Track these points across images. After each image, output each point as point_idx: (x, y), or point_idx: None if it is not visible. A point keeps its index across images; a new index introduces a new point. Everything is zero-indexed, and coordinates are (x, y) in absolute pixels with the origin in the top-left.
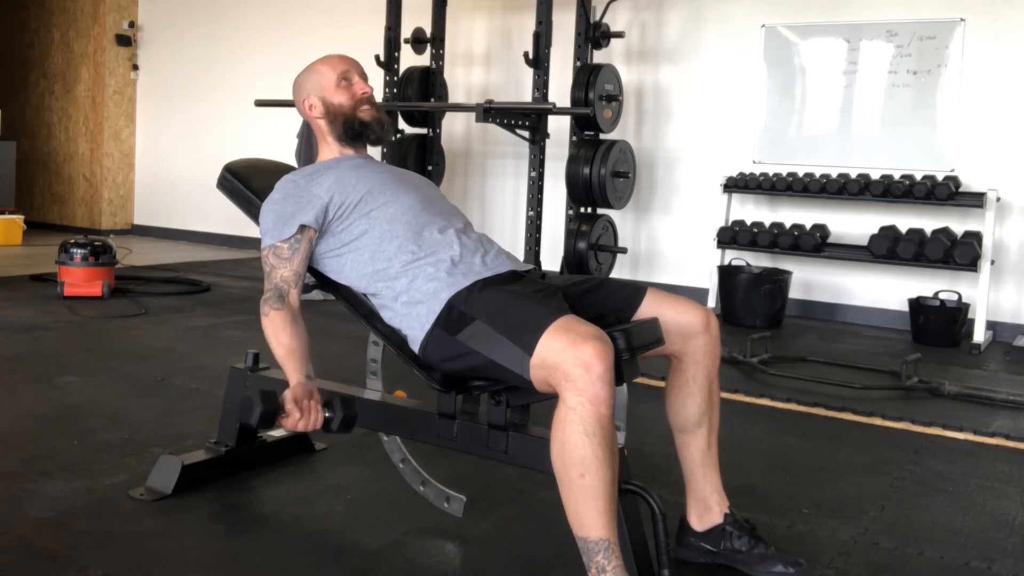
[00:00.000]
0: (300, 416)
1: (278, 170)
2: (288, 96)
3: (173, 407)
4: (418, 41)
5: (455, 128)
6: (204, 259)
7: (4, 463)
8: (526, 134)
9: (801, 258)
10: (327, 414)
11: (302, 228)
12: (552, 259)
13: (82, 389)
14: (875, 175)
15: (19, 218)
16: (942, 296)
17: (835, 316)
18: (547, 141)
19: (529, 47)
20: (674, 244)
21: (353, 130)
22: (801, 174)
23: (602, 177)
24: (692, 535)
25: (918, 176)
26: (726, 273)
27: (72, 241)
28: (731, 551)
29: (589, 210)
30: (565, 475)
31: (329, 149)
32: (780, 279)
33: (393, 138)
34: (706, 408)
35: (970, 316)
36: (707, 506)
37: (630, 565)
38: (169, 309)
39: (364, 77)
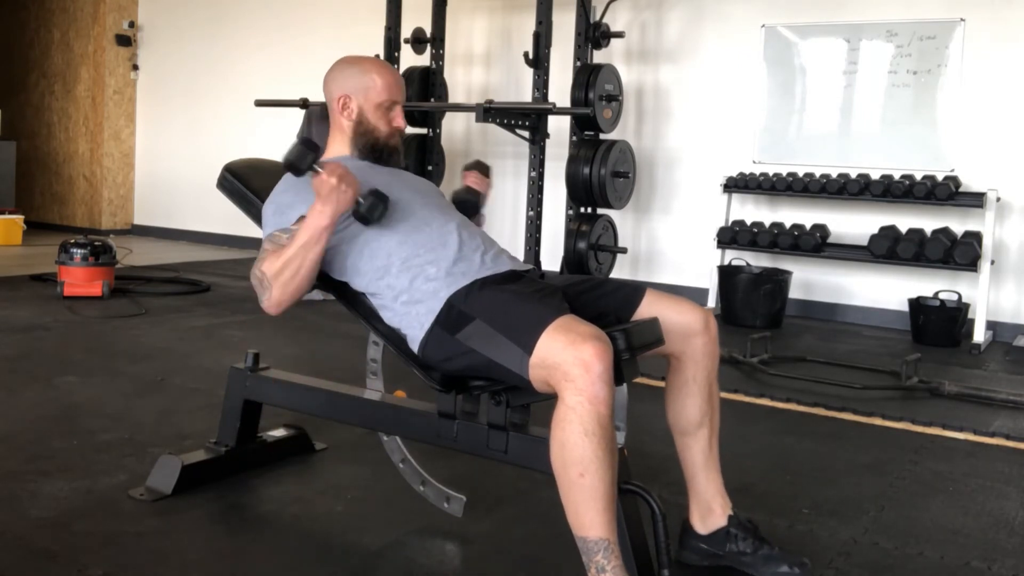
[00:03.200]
0: (335, 184)
1: (278, 170)
2: (287, 96)
3: (173, 407)
4: (418, 41)
5: (455, 128)
6: (204, 259)
7: (4, 463)
8: (526, 134)
9: (801, 258)
10: (360, 200)
11: (302, 220)
12: (552, 259)
13: (82, 389)
14: (875, 175)
15: (19, 218)
16: (942, 296)
17: (835, 316)
18: (547, 141)
19: (529, 47)
20: (674, 244)
21: (379, 154)
22: (801, 174)
23: (602, 177)
24: (695, 538)
25: (918, 176)
26: (726, 273)
27: (72, 241)
28: (735, 553)
29: (589, 210)
30: (565, 475)
31: (340, 145)
32: (780, 279)
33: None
34: (707, 408)
35: (970, 316)
36: (710, 508)
37: (630, 565)
38: (169, 309)
39: (403, 106)
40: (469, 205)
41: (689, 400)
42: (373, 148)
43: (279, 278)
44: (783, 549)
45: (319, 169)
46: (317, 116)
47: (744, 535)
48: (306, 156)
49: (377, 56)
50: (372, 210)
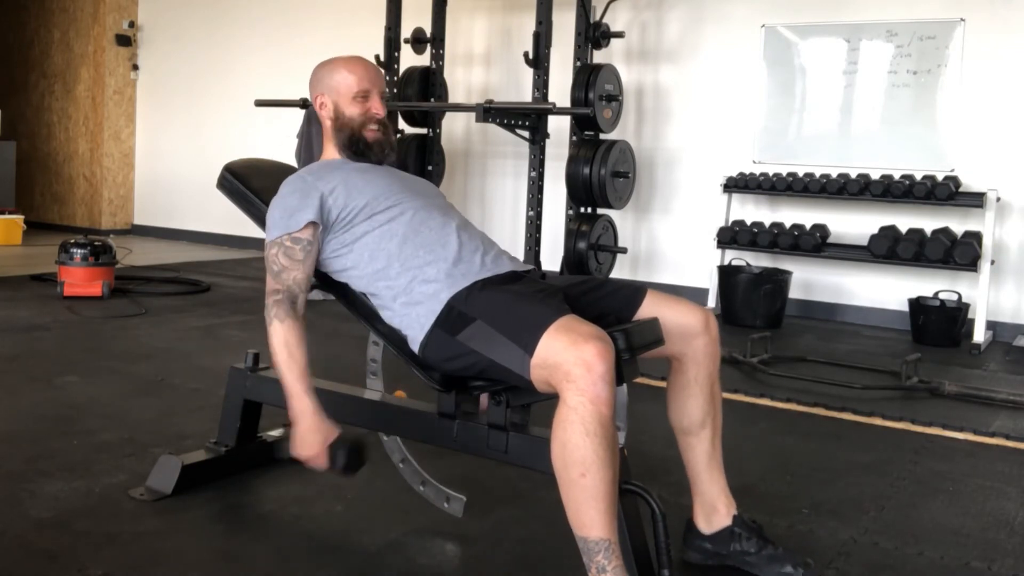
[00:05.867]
0: (309, 456)
1: (278, 170)
2: (287, 96)
3: (173, 407)
4: (418, 41)
5: (455, 128)
6: (204, 259)
7: (4, 463)
8: (526, 134)
9: (801, 258)
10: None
11: (310, 225)
12: (552, 259)
13: (82, 389)
14: (875, 175)
15: (19, 218)
16: (942, 296)
17: (835, 316)
18: (547, 141)
19: (529, 47)
20: (674, 244)
21: (356, 147)
22: (801, 174)
23: (602, 177)
24: (699, 537)
25: (918, 176)
26: (726, 273)
27: (72, 241)
28: (740, 553)
29: (589, 210)
30: (566, 475)
31: (331, 148)
32: (780, 279)
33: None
34: (709, 408)
35: (970, 316)
36: (714, 508)
37: (630, 565)
38: (169, 309)
39: (384, 95)
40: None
41: (691, 400)
42: (351, 140)
43: (272, 339)
44: (787, 549)
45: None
46: (316, 116)
47: (748, 535)
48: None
49: (377, 56)
50: (340, 465)
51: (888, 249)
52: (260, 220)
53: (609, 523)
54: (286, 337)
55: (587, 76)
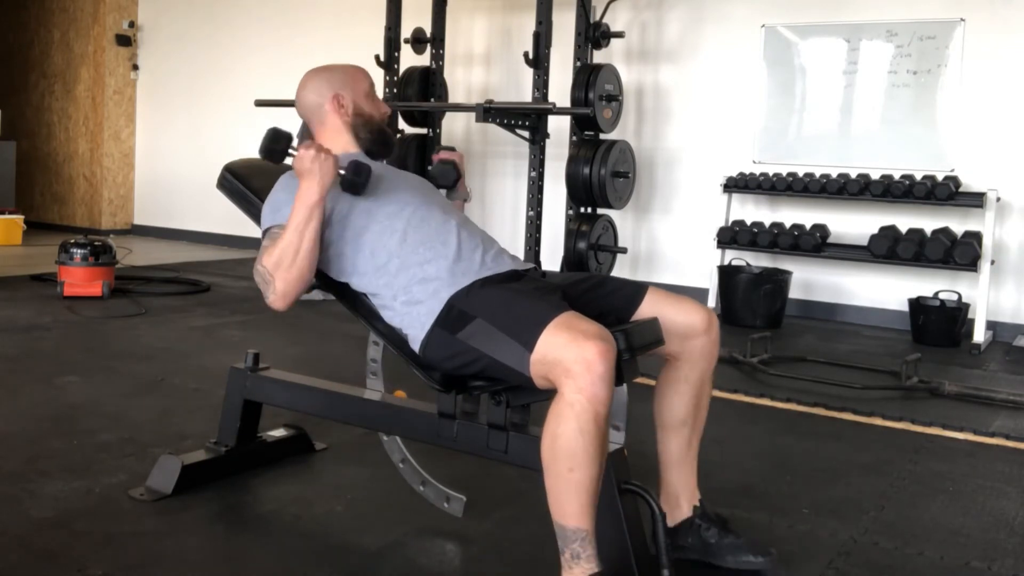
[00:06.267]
0: (314, 154)
1: (278, 170)
2: (287, 96)
3: (173, 407)
4: (418, 41)
5: (455, 128)
6: (204, 259)
7: (4, 463)
8: (526, 134)
9: (801, 258)
10: (342, 171)
11: None
12: (552, 259)
13: (82, 389)
14: (875, 175)
15: (19, 218)
16: (942, 296)
17: (835, 316)
18: (547, 141)
19: (529, 47)
20: (674, 244)
21: (381, 137)
22: (801, 174)
23: (602, 177)
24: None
25: (918, 176)
26: (726, 273)
27: (72, 241)
28: (698, 544)
29: (589, 210)
30: (554, 466)
31: (336, 143)
32: (780, 279)
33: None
34: (693, 409)
35: (970, 316)
36: (676, 503)
37: (630, 565)
38: (169, 309)
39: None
40: (447, 176)
41: (676, 398)
42: (378, 132)
43: (279, 267)
44: (750, 539)
45: (294, 152)
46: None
47: (708, 525)
48: (280, 138)
49: (377, 56)
50: (357, 174)
51: (888, 249)
52: (260, 220)
53: (589, 515)
54: (275, 251)
55: (587, 76)
